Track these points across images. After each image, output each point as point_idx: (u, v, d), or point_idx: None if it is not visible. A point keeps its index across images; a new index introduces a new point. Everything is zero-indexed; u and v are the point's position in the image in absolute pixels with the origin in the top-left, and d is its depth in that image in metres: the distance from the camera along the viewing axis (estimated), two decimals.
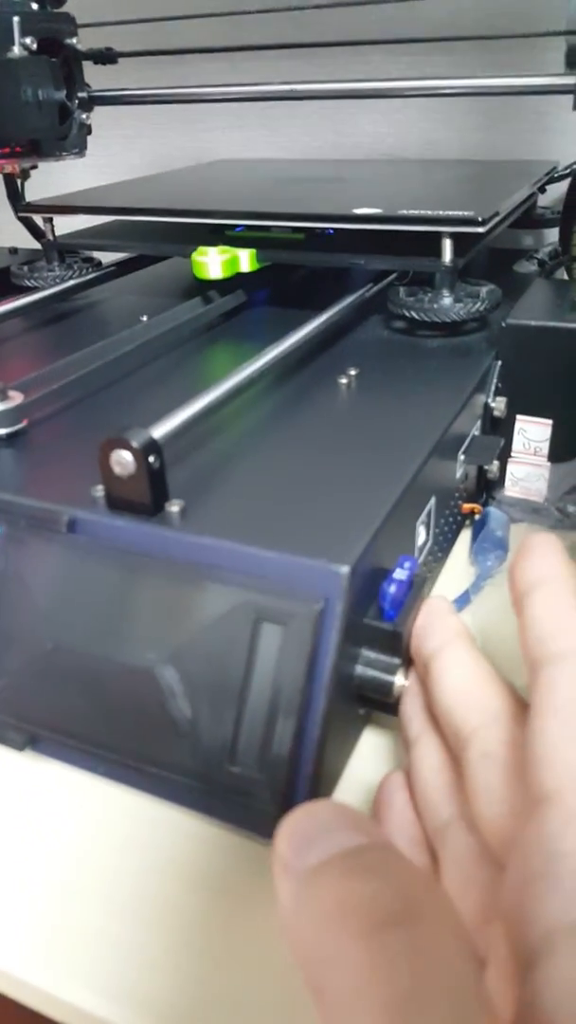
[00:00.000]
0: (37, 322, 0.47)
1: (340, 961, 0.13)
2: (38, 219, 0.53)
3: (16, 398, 0.32)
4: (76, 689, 0.26)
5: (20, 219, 0.59)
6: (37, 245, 0.55)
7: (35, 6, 0.42)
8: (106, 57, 0.46)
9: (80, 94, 0.44)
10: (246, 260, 0.46)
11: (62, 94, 0.41)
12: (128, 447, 0.25)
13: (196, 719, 0.24)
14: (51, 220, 0.52)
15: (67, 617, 0.26)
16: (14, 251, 0.59)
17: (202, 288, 0.47)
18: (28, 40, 0.39)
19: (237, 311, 0.47)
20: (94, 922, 0.23)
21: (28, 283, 0.51)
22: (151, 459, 0.25)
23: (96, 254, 0.56)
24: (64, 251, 0.53)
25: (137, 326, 0.42)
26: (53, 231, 0.52)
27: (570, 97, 0.42)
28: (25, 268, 0.53)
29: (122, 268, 0.53)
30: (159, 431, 0.27)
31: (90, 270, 0.52)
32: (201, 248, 0.45)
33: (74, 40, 0.44)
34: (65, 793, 0.27)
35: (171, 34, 0.56)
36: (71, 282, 0.49)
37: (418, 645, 0.26)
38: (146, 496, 0.26)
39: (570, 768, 0.17)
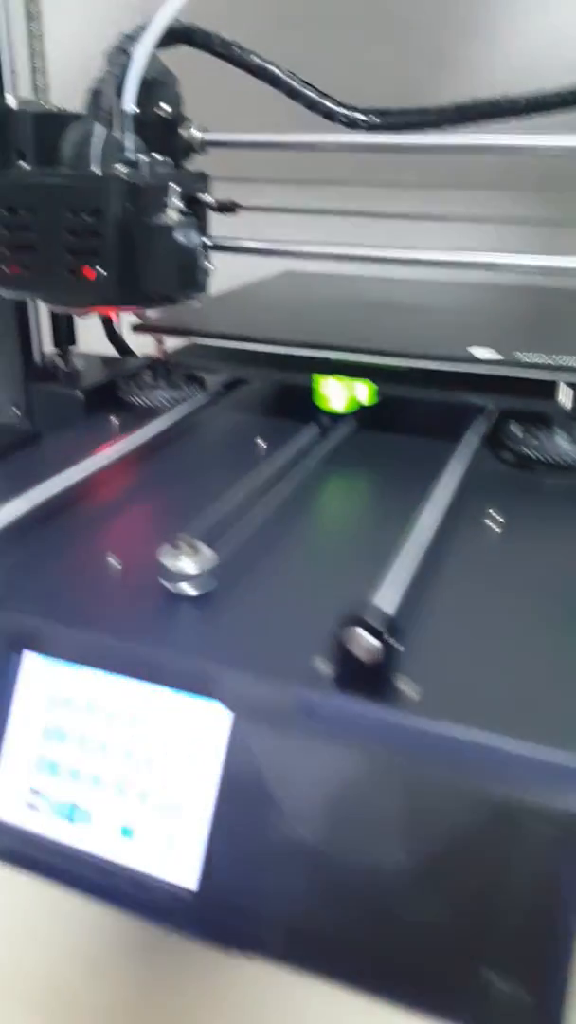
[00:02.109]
0: (159, 446, 0.47)
1: None
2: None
3: (205, 551, 0.32)
4: (305, 882, 0.25)
5: (109, 335, 0.61)
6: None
7: (160, 159, 0.44)
8: (228, 207, 0.48)
9: (206, 241, 0.45)
10: (365, 393, 0.47)
11: (201, 247, 0.43)
12: (369, 628, 0.26)
13: (440, 919, 0.24)
14: (160, 337, 0.53)
15: (298, 808, 0.26)
16: (111, 361, 0.60)
17: (308, 409, 0.49)
18: (179, 203, 0.41)
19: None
20: None
21: (138, 401, 0.52)
22: (391, 639, 0.26)
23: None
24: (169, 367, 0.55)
25: (266, 459, 0.42)
26: (164, 349, 0.53)
27: None
28: (132, 384, 0.53)
29: (227, 387, 0.54)
30: (388, 603, 0.27)
31: (196, 389, 0.53)
32: (319, 376, 0.47)
33: (205, 195, 0.46)
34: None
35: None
36: (193, 407, 0.49)
37: None
38: (383, 677, 0.26)
39: None
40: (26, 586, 0.33)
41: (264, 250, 0.49)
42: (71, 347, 0.58)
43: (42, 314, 0.56)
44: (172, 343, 0.55)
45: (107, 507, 0.40)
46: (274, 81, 0.48)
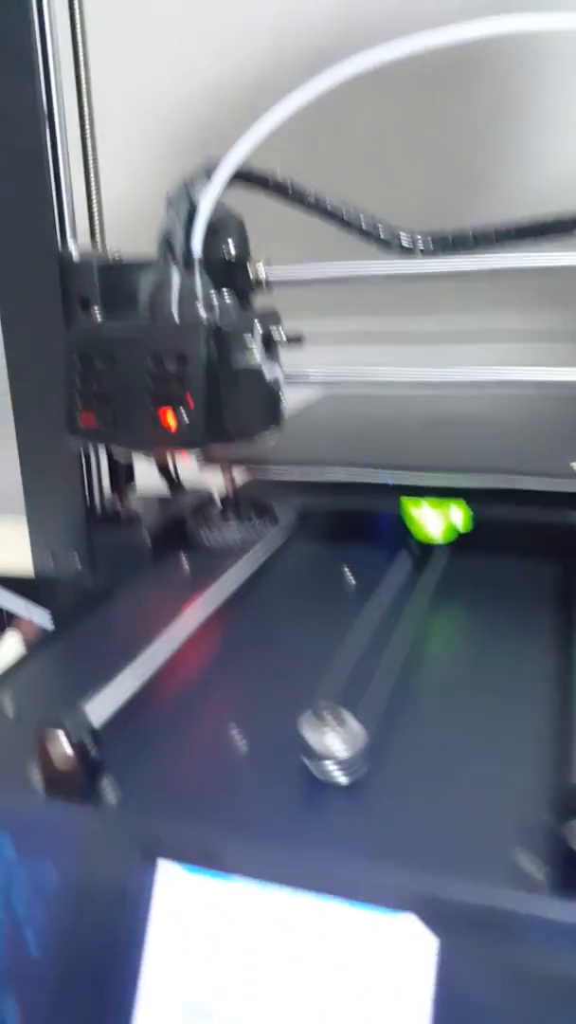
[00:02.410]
0: (246, 592, 0.44)
1: None
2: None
3: (352, 725, 0.28)
4: None
5: (160, 468, 0.58)
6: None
7: (231, 300, 0.43)
8: (296, 340, 0.47)
9: (282, 377, 0.44)
10: (460, 518, 0.45)
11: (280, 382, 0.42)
12: None
13: None
14: (230, 470, 0.51)
15: None
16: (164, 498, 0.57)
17: (392, 536, 0.46)
18: (261, 342, 0.40)
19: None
20: None
21: (208, 539, 0.50)
22: None
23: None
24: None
25: (369, 600, 0.39)
26: (234, 482, 0.51)
27: None
28: (201, 521, 0.51)
29: (299, 516, 0.52)
30: None
31: (268, 522, 0.51)
32: (411, 500, 0.44)
33: (280, 328, 0.45)
34: None
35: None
36: (270, 544, 0.47)
37: None
38: None
39: None
40: (148, 780, 0.29)
41: (333, 381, 0.48)
42: (131, 484, 0.56)
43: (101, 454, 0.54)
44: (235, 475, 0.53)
45: (212, 672, 0.36)
46: (329, 215, 0.48)
